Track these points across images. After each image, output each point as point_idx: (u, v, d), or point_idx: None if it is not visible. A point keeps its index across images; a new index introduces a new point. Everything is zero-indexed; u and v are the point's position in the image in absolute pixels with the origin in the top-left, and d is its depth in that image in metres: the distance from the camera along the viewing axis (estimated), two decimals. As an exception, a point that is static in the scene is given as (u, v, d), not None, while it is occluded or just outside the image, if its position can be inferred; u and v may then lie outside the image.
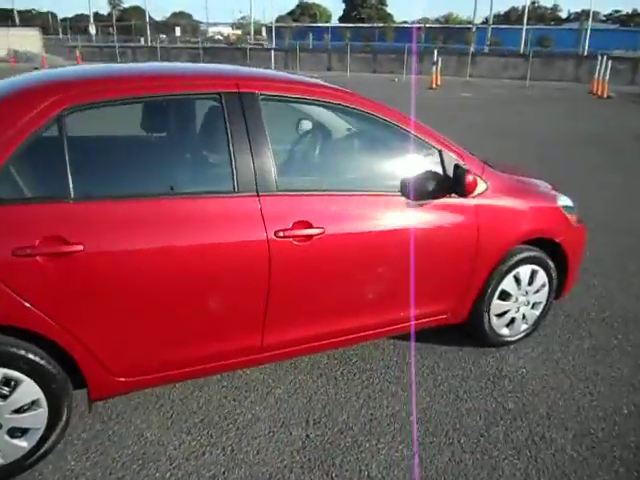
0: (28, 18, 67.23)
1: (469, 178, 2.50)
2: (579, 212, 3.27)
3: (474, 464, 2.24)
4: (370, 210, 2.48)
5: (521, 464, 2.25)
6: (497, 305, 2.97)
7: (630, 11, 63.65)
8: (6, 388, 1.94)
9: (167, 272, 2.10)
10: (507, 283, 2.94)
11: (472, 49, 32.66)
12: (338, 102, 2.52)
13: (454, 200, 2.62)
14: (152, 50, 35.75)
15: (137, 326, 2.14)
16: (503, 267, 2.87)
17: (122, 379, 2.17)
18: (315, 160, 2.95)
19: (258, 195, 2.21)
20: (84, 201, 1.97)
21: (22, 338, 1.94)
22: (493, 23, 43.06)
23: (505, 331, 3.08)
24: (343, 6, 69.67)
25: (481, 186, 2.71)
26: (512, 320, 3.07)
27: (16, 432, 2.01)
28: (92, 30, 45.65)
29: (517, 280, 2.96)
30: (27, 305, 1.88)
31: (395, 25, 55.51)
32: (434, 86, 22.08)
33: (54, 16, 72.98)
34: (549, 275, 3.07)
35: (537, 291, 3.07)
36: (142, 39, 47.72)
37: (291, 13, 71.42)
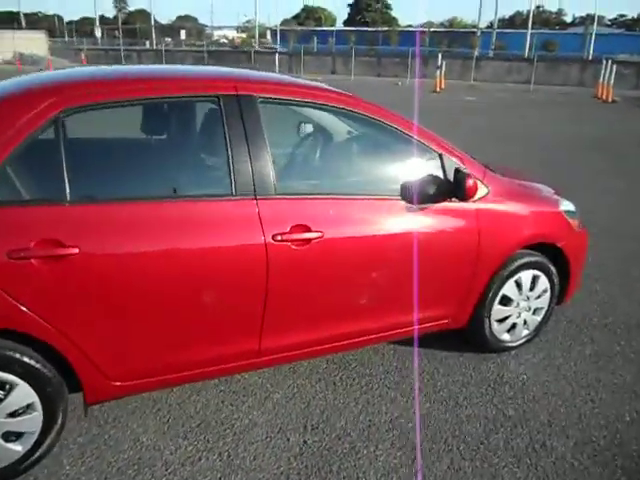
0: (34, 21, 67.55)
1: (469, 182, 2.48)
2: (582, 217, 3.24)
3: (473, 472, 2.21)
4: (370, 214, 2.46)
5: (521, 472, 2.22)
6: (498, 310, 2.94)
7: (635, 15, 63.41)
8: (0, 392, 1.92)
9: (163, 275, 2.08)
10: (508, 288, 2.91)
11: (476, 53, 32.58)
12: (338, 105, 2.51)
13: (455, 204, 2.60)
14: (157, 53, 35.84)
15: (133, 329, 2.13)
16: (504, 272, 2.84)
17: (118, 383, 2.15)
18: (315, 163, 2.93)
19: (256, 198, 2.19)
20: (80, 204, 1.97)
21: (17, 341, 1.92)
22: (498, 27, 42.96)
23: (506, 337, 3.05)
24: (348, 10, 70.00)
25: (482, 190, 2.69)
26: (513, 325, 3.04)
27: (10, 436, 1.99)
28: (98, 33, 45.87)
29: (518, 285, 2.93)
30: (22, 308, 1.87)
31: (399, 29, 55.51)
32: (438, 90, 22.06)
33: (60, 19, 73.42)
34: (551, 280, 3.04)
35: (539, 296, 3.04)
36: (147, 42, 47.90)
37: (296, 17, 71.50)
